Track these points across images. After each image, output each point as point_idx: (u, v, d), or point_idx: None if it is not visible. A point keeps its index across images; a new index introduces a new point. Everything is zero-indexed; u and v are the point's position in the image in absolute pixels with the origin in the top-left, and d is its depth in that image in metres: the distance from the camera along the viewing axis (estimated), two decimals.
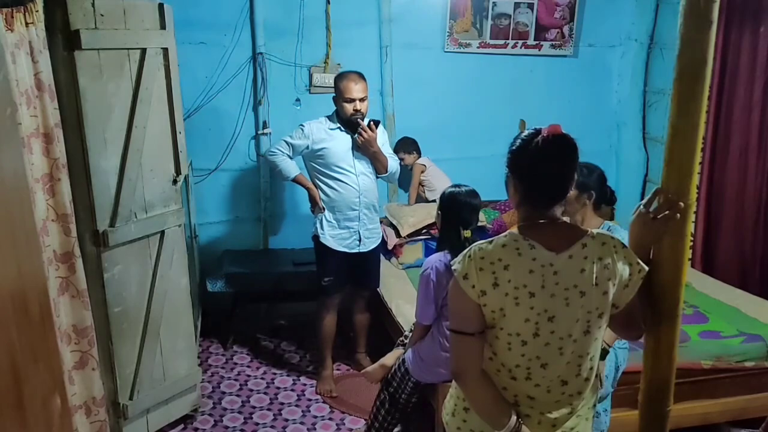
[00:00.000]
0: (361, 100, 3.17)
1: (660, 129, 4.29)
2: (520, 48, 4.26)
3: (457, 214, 2.53)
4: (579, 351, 1.59)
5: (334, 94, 3.26)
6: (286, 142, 3.28)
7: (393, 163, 3.37)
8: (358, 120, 3.18)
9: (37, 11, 2.16)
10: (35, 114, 2.18)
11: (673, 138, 1.55)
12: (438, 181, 4.07)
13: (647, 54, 4.33)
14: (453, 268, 1.60)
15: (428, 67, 4.17)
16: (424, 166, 4.12)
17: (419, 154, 4.12)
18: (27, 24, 2.11)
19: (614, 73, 4.50)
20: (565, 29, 4.28)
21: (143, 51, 2.60)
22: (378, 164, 3.30)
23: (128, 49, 2.56)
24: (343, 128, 3.25)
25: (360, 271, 3.46)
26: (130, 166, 2.62)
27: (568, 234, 1.58)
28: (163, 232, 2.81)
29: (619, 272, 1.56)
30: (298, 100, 4.02)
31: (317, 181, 3.32)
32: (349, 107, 3.17)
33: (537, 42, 4.27)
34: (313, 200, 3.34)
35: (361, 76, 3.21)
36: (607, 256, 1.55)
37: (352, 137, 3.24)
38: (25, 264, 1.33)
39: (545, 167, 1.55)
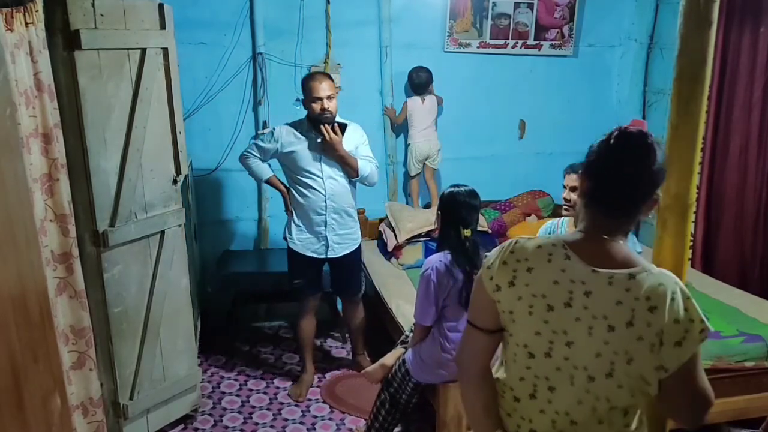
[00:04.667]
0: (329, 98, 3.12)
1: (660, 129, 4.26)
2: (520, 48, 4.25)
3: (457, 213, 2.53)
4: (597, 392, 1.38)
5: (303, 97, 3.22)
6: (256, 145, 3.26)
7: (366, 165, 3.25)
8: (322, 122, 3.12)
9: (36, 11, 2.16)
10: (34, 114, 2.18)
11: (673, 138, 1.55)
12: (418, 119, 4.03)
13: (647, 54, 4.33)
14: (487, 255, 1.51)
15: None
16: (406, 104, 4.06)
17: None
18: (27, 24, 2.11)
19: (614, 73, 4.50)
20: (565, 29, 4.28)
21: (143, 51, 2.60)
22: (347, 168, 3.22)
23: (128, 49, 2.56)
24: (313, 132, 3.17)
25: (336, 277, 3.44)
26: (130, 166, 2.62)
27: (619, 258, 1.38)
28: (163, 233, 2.81)
29: (668, 324, 1.32)
30: (298, 99, 3.99)
31: (290, 184, 3.31)
32: (316, 106, 3.12)
33: (537, 42, 4.26)
34: (285, 202, 3.33)
35: (326, 75, 3.21)
36: (661, 300, 1.32)
37: (315, 140, 3.16)
38: (25, 265, 1.33)
39: (613, 165, 1.40)
